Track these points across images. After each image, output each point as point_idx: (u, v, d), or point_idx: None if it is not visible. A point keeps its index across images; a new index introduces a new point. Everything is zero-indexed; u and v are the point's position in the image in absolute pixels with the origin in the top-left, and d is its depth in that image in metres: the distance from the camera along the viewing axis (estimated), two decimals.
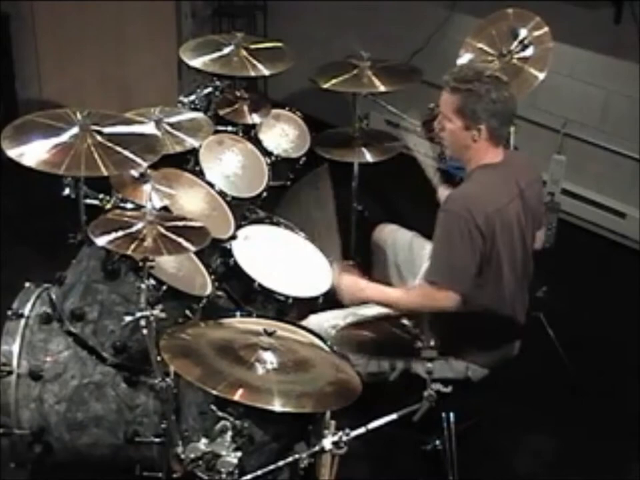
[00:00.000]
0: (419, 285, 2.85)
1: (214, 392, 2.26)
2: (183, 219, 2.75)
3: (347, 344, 2.48)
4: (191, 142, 3.25)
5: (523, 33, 3.51)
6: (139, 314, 2.52)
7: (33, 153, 2.67)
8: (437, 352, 2.41)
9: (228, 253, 3.17)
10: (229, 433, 2.39)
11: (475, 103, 2.74)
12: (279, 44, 3.89)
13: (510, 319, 2.47)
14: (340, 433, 2.30)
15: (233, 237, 3.21)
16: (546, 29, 3.50)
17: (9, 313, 2.87)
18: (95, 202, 2.97)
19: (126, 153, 2.76)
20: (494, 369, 2.90)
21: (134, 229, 2.53)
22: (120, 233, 2.52)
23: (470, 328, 2.65)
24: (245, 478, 2.36)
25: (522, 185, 2.86)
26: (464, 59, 3.56)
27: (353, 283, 2.94)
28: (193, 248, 2.61)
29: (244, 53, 3.65)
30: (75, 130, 2.77)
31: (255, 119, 3.64)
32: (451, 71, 2.83)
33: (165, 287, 2.75)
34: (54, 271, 2.97)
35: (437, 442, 2.94)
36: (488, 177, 2.81)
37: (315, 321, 3.00)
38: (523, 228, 2.85)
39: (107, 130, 2.81)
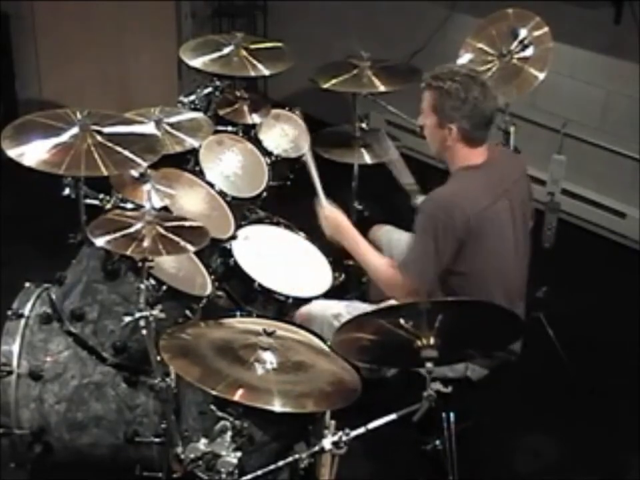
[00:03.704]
0: (397, 265, 2.89)
1: (213, 392, 2.26)
2: (183, 219, 2.75)
3: (346, 350, 2.48)
4: (191, 142, 3.25)
5: (522, 33, 3.50)
6: (138, 314, 2.52)
7: (33, 153, 2.67)
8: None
9: (228, 253, 3.17)
10: (229, 433, 2.38)
11: (445, 101, 2.78)
12: (279, 44, 3.89)
13: (513, 317, 2.47)
14: (340, 433, 2.30)
15: (233, 237, 3.21)
16: (546, 29, 3.49)
17: (9, 313, 2.87)
18: (95, 202, 2.97)
19: (126, 152, 2.76)
20: (494, 369, 2.90)
21: (133, 229, 2.53)
22: (119, 234, 2.52)
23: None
24: (244, 478, 2.36)
25: (507, 183, 2.88)
26: (464, 59, 3.55)
27: (341, 222, 3.02)
28: (192, 248, 2.61)
29: (244, 52, 3.65)
30: (75, 130, 2.77)
31: (255, 118, 3.64)
32: (434, 69, 2.85)
33: (164, 287, 2.75)
34: (54, 270, 2.97)
35: (437, 442, 2.94)
36: (469, 178, 2.83)
37: (319, 307, 3.02)
38: (514, 225, 2.88)
39: (106, 130, 2.81)
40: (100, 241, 2.52)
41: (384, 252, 3.32)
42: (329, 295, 3.20)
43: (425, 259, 2.79)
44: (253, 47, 3.71)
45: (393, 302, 2.83)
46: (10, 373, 2.77)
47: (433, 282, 2.82)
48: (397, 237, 3.31)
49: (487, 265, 2.82)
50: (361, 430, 2.31)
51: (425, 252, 2.78)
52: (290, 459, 2.35)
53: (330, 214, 3.04)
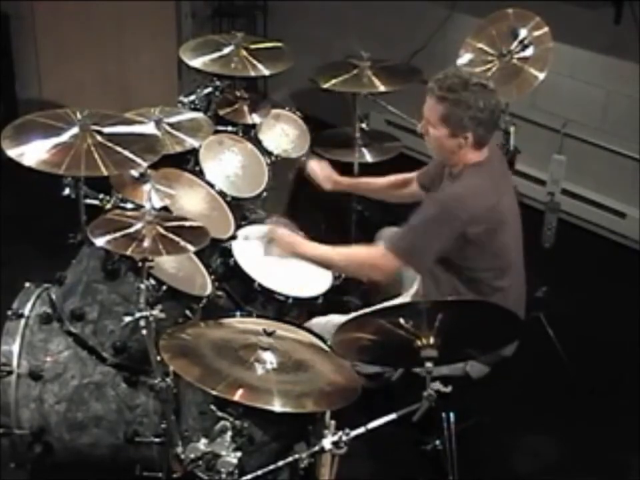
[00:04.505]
0: (370, 248, 2.92)
1: (213, 392, 2.26)
2: (183, 219, 2.75)
3: (346, 350, 2.48)
4: (191, 142, 3.25)
5: (522, 33, 3.50)
6: (138, 314, 2.52)
7: (33, 153, 2.68)
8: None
9: (228, 253, 3.17)
10: (229, 433, 2.39)
11: (462, 112, 2.73)
12: (279, 44, 3.89)
13: (513, 317, 2.48)
14: (340, 433, 2.30)
15: (233, 237, 3.21)
16: (546, 29, 3.49)
17: (9, 313, 2.87)
18: (95, 202, 2.97)
19: (126, 153, 2.76)
20: (493, 365, 2.90)
21: (133, 229, 2.53)
22: (119, 234, 2.52)
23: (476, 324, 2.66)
24: (244, 478, 2.36)
25: (505, 174, 2.98)
26: (464, 59, 3.55)
27: (288, 236, 2.99)
28: (192, 248, 2.61)
29: (244, 52, 3.66)
30: (75, 130, 2.77)
31: (255, 118, 3.64)
32: (436, 77, 2.79)
33: (164, 287, 2.75)
34: (54, 270, 2.97)
35: (437, 442, 2.94)
36: (478, 176, 2.83)
37: (321, 320, 3.01)
38: (515, 213, 2.91)
39: (106, 130, 2.81)
40: (100, 241, 2.52)
41: None
42: (328, 295, 3.21)
43: (424, 241, 2.76)
44: (253, 46, 3.71)
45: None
46: (10, 372, 2.77)
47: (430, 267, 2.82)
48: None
49: (506, 253, 2.85)
50: (361, 430, 2.31)
51: (426, 235, 2.76)
52: (290, 458, 2.35)
53: (275, 235, 3.01)
